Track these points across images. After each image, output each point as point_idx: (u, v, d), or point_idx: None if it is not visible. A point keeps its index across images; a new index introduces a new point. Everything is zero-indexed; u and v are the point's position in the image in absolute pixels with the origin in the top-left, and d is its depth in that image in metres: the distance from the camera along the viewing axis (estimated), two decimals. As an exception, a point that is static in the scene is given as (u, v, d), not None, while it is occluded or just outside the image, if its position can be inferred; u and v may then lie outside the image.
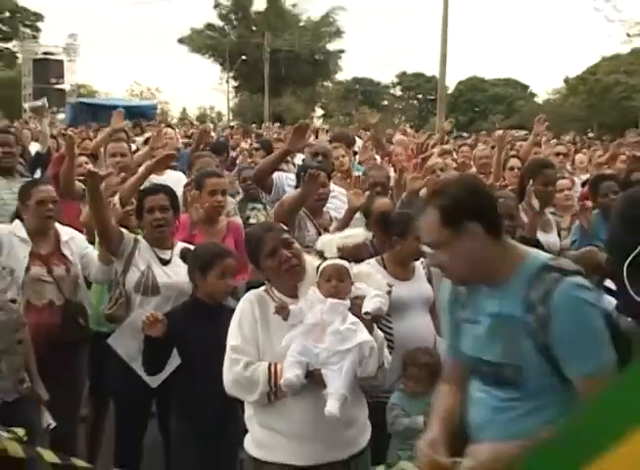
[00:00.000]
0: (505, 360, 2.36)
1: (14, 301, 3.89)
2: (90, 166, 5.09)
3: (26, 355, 3.95)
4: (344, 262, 3.13)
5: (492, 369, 2.41)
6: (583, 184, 7.32)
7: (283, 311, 3.02)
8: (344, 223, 4.64)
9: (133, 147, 7.89)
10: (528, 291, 2.32)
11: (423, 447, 2.42)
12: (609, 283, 4.79)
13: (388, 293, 3.25)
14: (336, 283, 3.05)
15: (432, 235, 2.38)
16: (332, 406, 2.86)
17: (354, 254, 3.26)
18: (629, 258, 3.77)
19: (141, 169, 4.96)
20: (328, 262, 3.11)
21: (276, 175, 5.34)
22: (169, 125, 12.95)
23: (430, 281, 4.43)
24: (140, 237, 4.36)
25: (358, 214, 4.79)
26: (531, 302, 2.30)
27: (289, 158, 6.89)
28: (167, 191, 4.44)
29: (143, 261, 4.25)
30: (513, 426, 2.35)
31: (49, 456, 3.41)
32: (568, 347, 2.27)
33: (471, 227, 2.32)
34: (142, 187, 4.75)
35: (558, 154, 7.86)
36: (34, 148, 9.06)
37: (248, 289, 3.68)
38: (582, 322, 2.28)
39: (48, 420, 3.95)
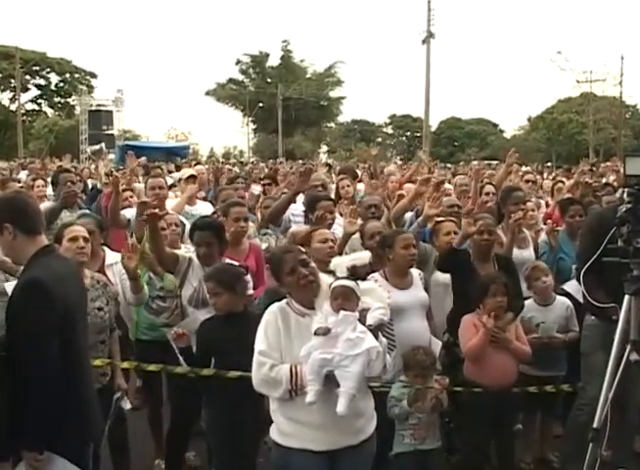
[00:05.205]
0: None
1: (100, 308, 3.83)
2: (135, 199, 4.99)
3: (112, 353, 3.96)
4: (351, 283, 3.08)
5: None
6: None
7: (325, 332, 2.94)
8: (341, 245, 4.63)
9: (169, 181, 7.91)
10: None
11: None
12: (567, 287, 4.78)
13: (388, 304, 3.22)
14: (342, 301, 3.01)
15: None
16: (341, 405, 2.85)
17: (358, 272, 3.23)
18: (584, 268, 3.69)
19: None
20: (337, 283, 3.07)
21: None
22: (199, 162, 13.15)
23: (426, 290, 4.41)
24: (194, 257, 4.27)
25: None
26: None
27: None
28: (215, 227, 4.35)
29: (195, 278, 4.18)
30: None
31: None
32: None
33: None
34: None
35: (527, 181, 7.79)
36: (90, 184, 9.08)
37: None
38: None
39: (126, 405, 3.98)
